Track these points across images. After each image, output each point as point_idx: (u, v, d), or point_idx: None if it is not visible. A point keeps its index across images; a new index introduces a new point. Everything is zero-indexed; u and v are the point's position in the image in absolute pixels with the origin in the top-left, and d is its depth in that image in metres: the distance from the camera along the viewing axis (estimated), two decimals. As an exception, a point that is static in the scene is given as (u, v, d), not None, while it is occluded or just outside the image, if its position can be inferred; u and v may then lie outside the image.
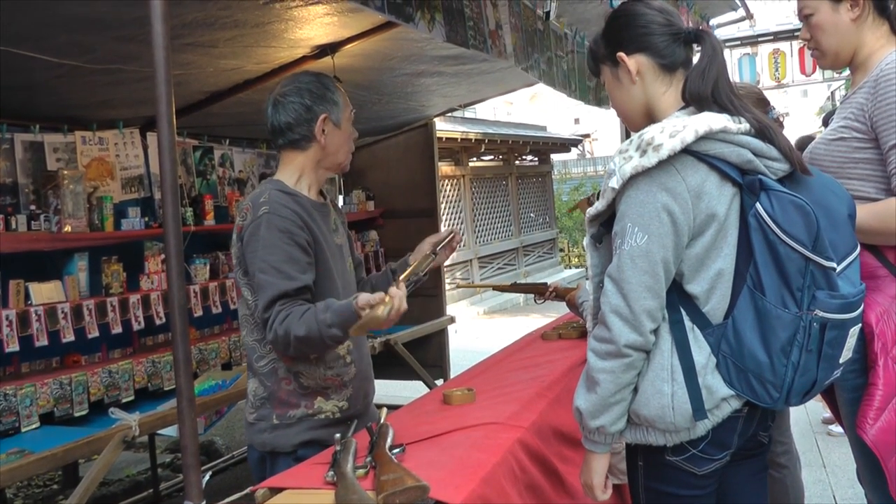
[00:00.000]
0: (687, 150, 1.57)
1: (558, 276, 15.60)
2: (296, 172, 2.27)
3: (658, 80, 1.74)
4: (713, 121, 1.59)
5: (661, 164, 1.56)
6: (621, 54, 1.74)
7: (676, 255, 1.60)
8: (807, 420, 5.38)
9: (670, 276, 1.62)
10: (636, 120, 1.81)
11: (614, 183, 1.62)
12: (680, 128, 1.57)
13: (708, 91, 1.64)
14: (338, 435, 1.80)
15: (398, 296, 1.97)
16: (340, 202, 6.01)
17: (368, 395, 2.39)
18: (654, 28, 1.72)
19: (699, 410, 1.60)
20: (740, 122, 1.62)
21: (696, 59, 1.75)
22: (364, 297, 1.98)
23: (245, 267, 2.16)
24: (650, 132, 1.59)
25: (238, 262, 2.20)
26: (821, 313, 1.55)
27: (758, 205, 1.58)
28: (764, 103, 2.88)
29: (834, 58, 2.22)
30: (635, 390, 1.66)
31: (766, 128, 1.63)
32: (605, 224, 1.72)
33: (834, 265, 1.57)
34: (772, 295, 1.57)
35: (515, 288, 3.84)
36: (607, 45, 1.79)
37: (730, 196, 1.62)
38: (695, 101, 1.66)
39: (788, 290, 1.56)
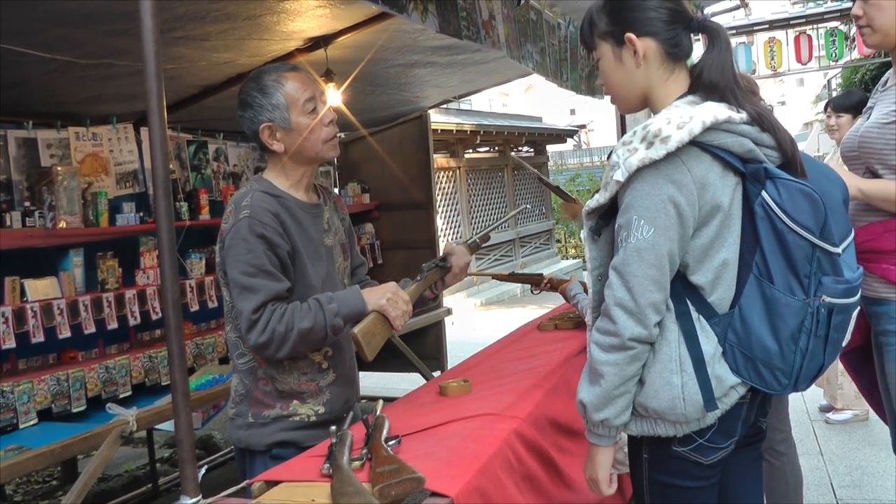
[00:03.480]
0: (692, 141, 1.55)
1: (555, 266, 15.62)
2: (280, 171, 2.23)
3: (662, 67, 1.70)
4: (718, 111, 1.57)
5: (668, 156, 1.54)
6: (631, 35, 1.68)
7: (681, 247, 1.59)
8: (804, 408, 5.39)
9: (675, 268, 1.61)
10: (631, 103, 1.78)
11: (619, 175, 1.59)
12: (687, 119, 1.55)
13: (723, 81, 1.63)
14: (333, 427, 1.80)
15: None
16: (336, 195, 6.00)
17: (350, 400, 2.34)
18: (664, 14, 1.67)
19: (710, 402, 1.59)
20: (739, 112, 1.61)
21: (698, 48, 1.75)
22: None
23: (226, 268, 2.11)
24: (656, 123, 1.57)
25: (221, 262, 2.15)
26: (828, 299, 1.56)
27: (764, 193, 1.58)
28: (756, 96, 2.88)
29: (883, 37, 2.28)
30: (641, 382, 1.64)
31: (765, 118, 1.63)
32: (604, 216, 1.70)
33: (839, 251, 1.57)
34: (780, 282, 1.57)
35: (512, 278, 3.86)
36: (613, 22, 1.72)
37: (732, 185, 1.61)
38: (707, 90, 1.65)
39: (796, 277, 1.57)
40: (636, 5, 1.70)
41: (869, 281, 2.19)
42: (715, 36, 1.68)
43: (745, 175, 1.61)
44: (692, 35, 1.74)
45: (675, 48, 1.70)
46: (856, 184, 2.19)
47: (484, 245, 2.71)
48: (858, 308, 1.66)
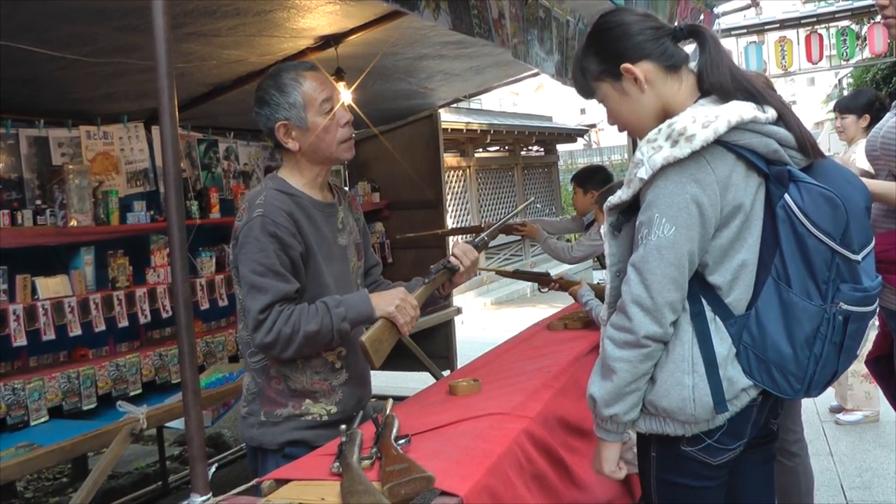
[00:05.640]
0: (717, 141, 1.54)
1: (565, 266, 15.58)
2: (294, 170, 2.22)
3: (668, 80, 1.70)
4: (744, 110, 1.57)
5: (693, 155, 1.54)
6: (627, 65, 1.68)
7: (702, 246, 1.59)
8: (814, 409, 5.36)
9: (693, 267, 1.60)
10: (649, 128, 1.73)
11: (643, 173, 1.58)
12: (712, 118, 1.54)
13: (728, 79, 1.62)
14: (343, 426, 1.79)
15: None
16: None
17: (363, 400, 2.33)
18: (648, 33, 1.68)
19: (720, 403, 1.59)
20: (766, 111, 1.60)
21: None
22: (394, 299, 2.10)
23: (237, 266, 2.11)
24: (681, 122, 1.56)
25: (234, 259, 2.14)
26: (844, 306, 1.55)
27: (787, 196, 1.57)
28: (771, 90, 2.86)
29: None
30: (652, 380, 1.64)
31: (787, 115, 1.62)
32: (625, 213, 1.70)
33: (858, 258, 1.56)
34: (797, 287, 1.57)
35: (518, 274, 3.84)
36: (603, 60, 1.72)
37: (755, 186, 1.61)
38: (718, 91, 1.64)
39: (814, 282, 1.56)
40: (621, 35, 1.70)
41: (888, 293, 2.12)
42: (701, 38, 1.68)
43: (769, 176, 1.60)
44: (679, 42, 1.73)
45: (671, 59, 1.70)
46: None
47: (493, 245, 2.69)
48: (876, 316, 1.65)
